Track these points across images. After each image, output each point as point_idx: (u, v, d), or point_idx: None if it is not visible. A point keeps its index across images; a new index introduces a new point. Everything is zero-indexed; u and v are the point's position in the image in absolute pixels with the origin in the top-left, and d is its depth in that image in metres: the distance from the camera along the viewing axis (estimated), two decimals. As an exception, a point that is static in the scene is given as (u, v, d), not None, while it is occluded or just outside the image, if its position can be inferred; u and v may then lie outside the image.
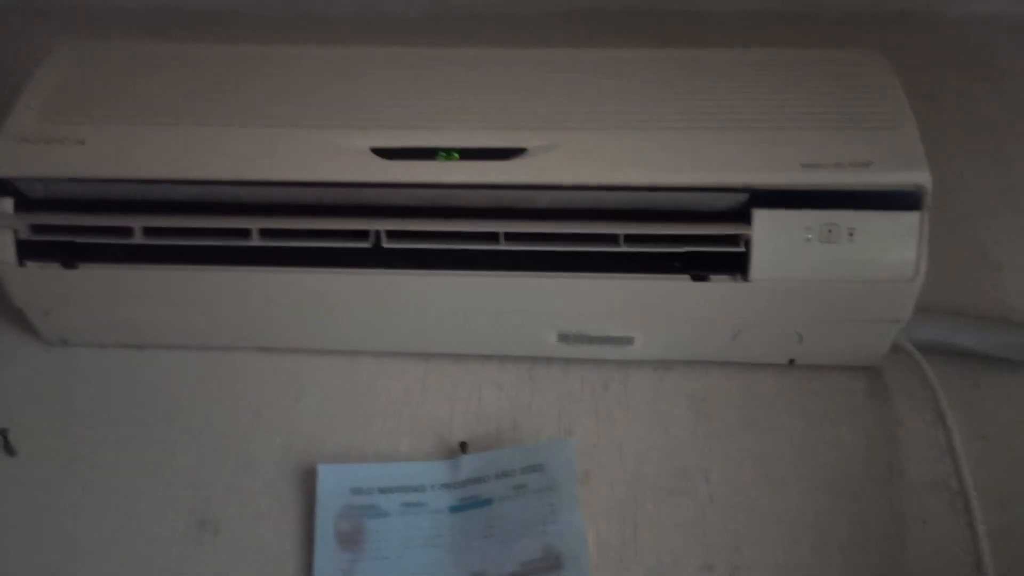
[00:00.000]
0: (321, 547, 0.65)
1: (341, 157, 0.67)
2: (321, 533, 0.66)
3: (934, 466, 0.68)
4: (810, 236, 0.64)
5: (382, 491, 0.68)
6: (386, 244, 0.67)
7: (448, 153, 0.67)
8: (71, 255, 0.69)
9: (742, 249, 0.65)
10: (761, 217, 0.64)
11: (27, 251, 0.69)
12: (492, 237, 0.66)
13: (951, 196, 0.84)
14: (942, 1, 1.04)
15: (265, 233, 0.67)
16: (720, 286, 0.66)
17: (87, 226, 0.68)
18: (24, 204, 0.68)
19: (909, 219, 0.64)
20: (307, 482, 0.69)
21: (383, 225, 0.66)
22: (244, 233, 0.67)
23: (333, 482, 0.68)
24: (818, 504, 0.67)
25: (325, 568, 0.64)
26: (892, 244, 0.64)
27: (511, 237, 0.66)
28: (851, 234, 0.64)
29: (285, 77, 0.73)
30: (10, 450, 0.71)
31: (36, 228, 0.69)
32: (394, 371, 0.76)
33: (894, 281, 0.65)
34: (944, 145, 0.85)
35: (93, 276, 0.70)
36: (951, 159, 0.86)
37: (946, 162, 0.84)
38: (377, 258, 0.68)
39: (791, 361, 0.73)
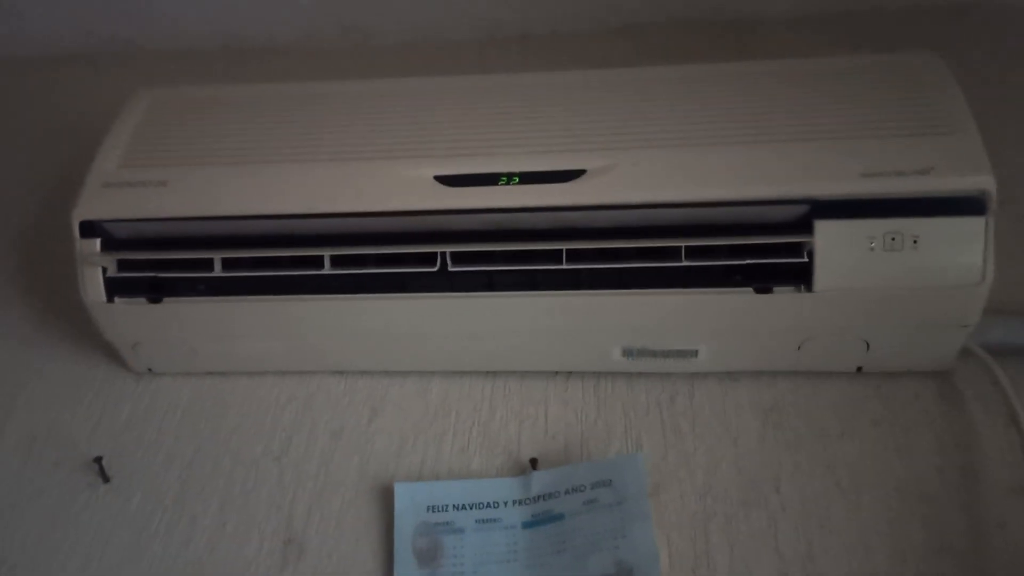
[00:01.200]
0: (400, 564, 0.67)
1: (406, 187, 0.70)
2: (400, 550, 0.68)
3: (1010, 470, 0.67)
4: (873, 245, 0.64)
5: (457, 508, 0.70)
6: (452, 267, 0.69)
7: (509, 178, 0.69)
8: (156, 291, 0.73)
9: (805, 260, 0.65)
10: (823, 228, 0.65)
11: (115, 288, 0.73)
12: (555, 257, 0.68)
13: (1019, 193, 0.82)
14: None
15: (336, 261, 0.70)
16: (784, 297, 0.67)
17: (170, 261, 0.71)
18: (111, 245, 0.72)
19: (974, 224, 0.63)
20: (384, 500, 0.71)
21: (448, 248, 0.68)
22: (317, 262, 0.70)
23: (409, 500, 0.70)
24: (891, 511, 0.67)
25: None
26: (957, 250, 0.64)
27: (573, 256, 0.68)
28: (915, 241, 0.64)
29: (349, 112, 0.76)
30: (105, 477, 0.75)
31: (123, 266, 0.72)
32: (463, 390, 0.78)
33: (961, 287, 0.64)
34: (1013, 142, 0.84)
35: (177, 310, 0.73)
36: (1020, 155, 0.85)
37: (1015, 159, 0.83)
38: (444, 282, 0.70)
39: (859, 369, 0.73)
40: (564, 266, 0.68)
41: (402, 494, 0.70)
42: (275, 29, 1.10)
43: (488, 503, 0.70)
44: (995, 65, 0.95)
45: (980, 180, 0.64)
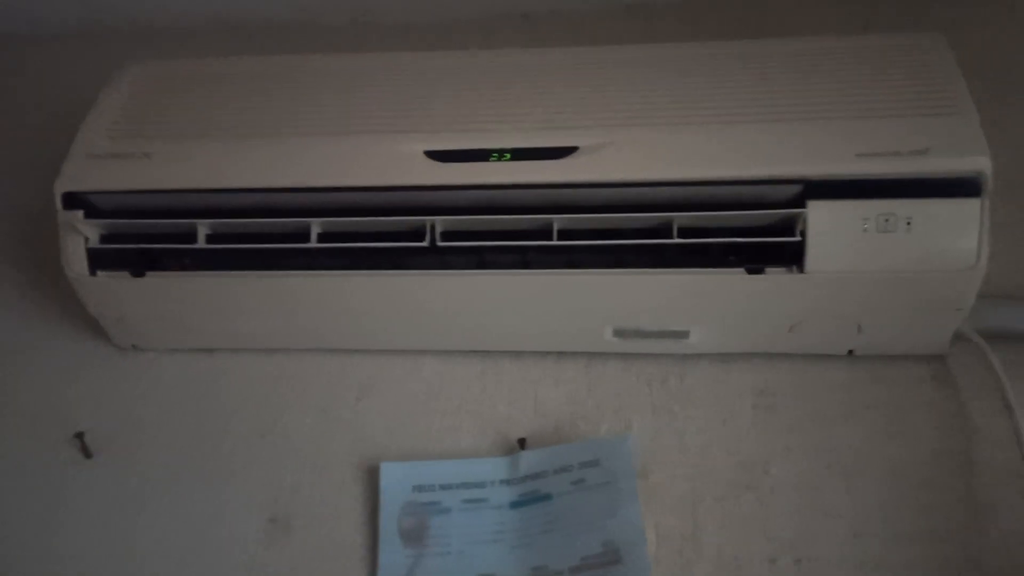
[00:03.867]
0: (385, 543, 0.67)
1: (396, 161, 0.69)
2: (385, 530, 0.67)
3: (1002, 454, 0.67)
4: (867, 226, 0.63)
5: (444, 488, 0.69)
6: (441, 243, 0.68)
7: (500, 154, 0.68)
8: (140, 264, 0.72)
9: (798, 239, 0.64)
10: (816, 208, 0.64)
11: (98, 261, 0.72)
12: (546, 234, 0.67)
13: (1018, 177, 0.82)
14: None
15: (324, 236, 0.69)
16: (776, 278, 0.66)
17: (154, 234, 0.70)
18: (94, 216, 0.71)
19: (969, 206, 0.63)
20: (371, 479, 0.70)
21: (437, 219, 0.67)
22: (304, 236, 0.69)
23: (396, 479, 0.69)
24: (883, 495, 0.66)
25: (390, 564, 0.66)
26: (952, 232, 0.63)
27: (564, 234, 0.67)
28: (909, 223, 0.63)
29: (339, 85, 0.75)
30: (87, 452, 0.74)
31: (106, 239, 0.71)
32: (454, 369, 0.77)
33: (955, 270, 0.64)
34: (1012, 128, 0.83)
35: (161, 284, 0.72)
36: (1019, 139, 0.84)
37: (1014, 145, 0.82)
38: (435, 260, 0.69)
39: (850, 352, 0.73)
40: (555, 242, 0.67)
41: (388, 473, 0.70)
42: (271, 5, 1.08)
43: (476, 483, 0.69)
44: (1002, 51, 0.93)
45: (977, 161, 0.63)
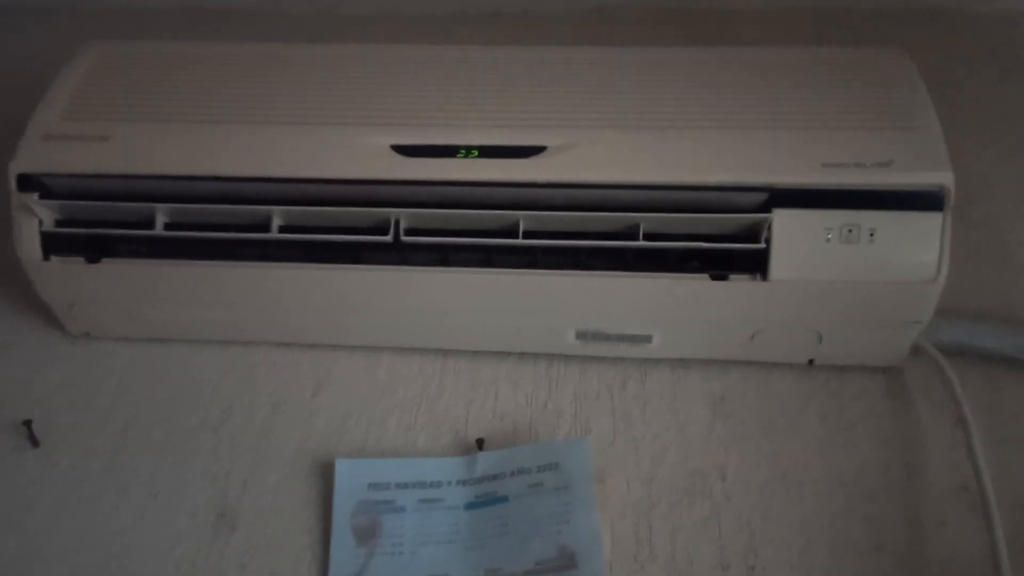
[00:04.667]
0: (337, 541, 0.66)
1: (361, 154, 0.68)
2: (338, 527, 0.66)
3: (954, 469, 0.68)
4: (830, 236, 0.64)
5: (399, 486, 0.68)
6: (405, 238, 0.67)
7: (468, 151, 0.67)
8: (94, 249, 0.70)
9: (762, 246, 0.64)
10: (781, 216, 0.64)
11: (51, 245, 0.70)
12: (512, 234, 0.67)
13: (975, 197, 0.83)
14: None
15: (285, 228, 0.68)
16: (739, 285, 0.66)
17: (110, 220, 0.68)
18: (49, 199, 0.69)
19: (931, 220, 0.63)
20: (324, 476, 0.69)
21: (401, 213, 0.67)
22: (264, 227, 0.68)
23: (351, 476, 0.68)
24: (835, 505, 0.67)
25: (341, 562, 0.65)
26: (913, 245, 0.64)
27: (530, 234, 0.66)
28: (872, 234, 0.64)
29: (306, 75, 0.74)
30: (34, 441, 0.72)
31: (60, 223, 0.70)
32: (412, 367, 0.76)
33: (915, 283, 0.64)
34: (970, 145, 0.85)
35: (116, 271, 0.71)
36: (977, 160, 0.85)
37: (971, 163, 0.84)
38: (397, 254, 0.68)
39: (810, 361, 0.73)
40: (520, 240, 0.66)
41: (343, 470, 0.69)
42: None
43: (432, 483, 0.68)
44: (962, 71, 0.95)
45: (939, 176, 0.63)
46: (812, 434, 0.70)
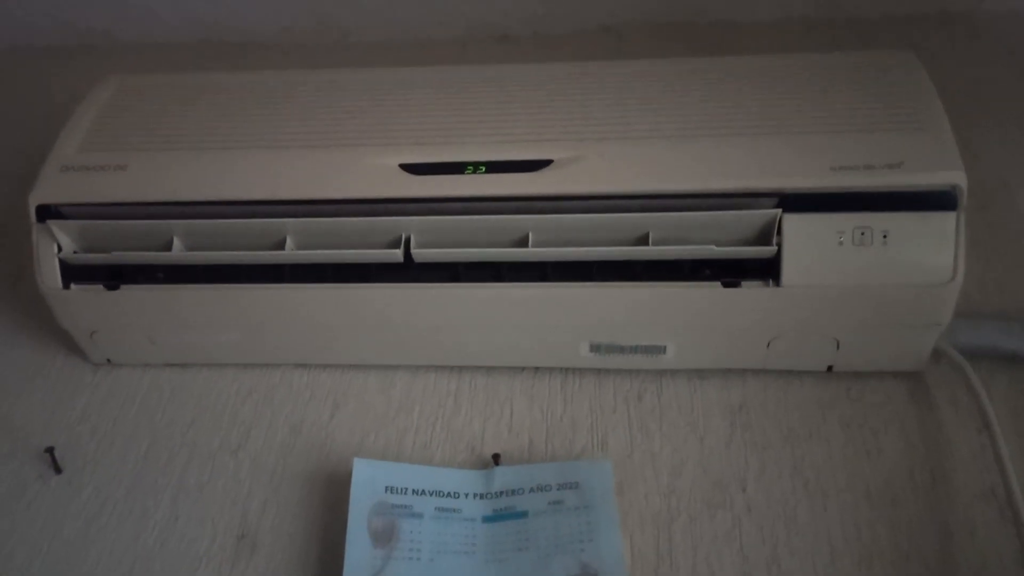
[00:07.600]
0: (353, 541, 0.65)
1: (371, 174, 0.68)
2: (354, 527, 0.65)
3: (980, 475, 0.66)
4: (843, 240, 0.63)
5: (416, 493, 0.68)
6: (416, 253, 0.67)
7: (475, 167, 0.68)
8: (114, 277, 0.71)
9: (774, 249, 0.64)
10: (791, 221, 0.64)
11: (71, 274, 0.71)
12: (521, 245, 0.67)
13: (994, 197, 0.82)
14: (980, -1, 1.02)
15: (299, 246, 0.68)
16: (752, 292, 0.66)
17: (128, 246, 0.70)
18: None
19: (944, 220, 0.62)
20: (344, 497, 0.69)
21: (411, 231, 0.67)
22: (279, 246, 0.68)
23: (368, 477, 0.68)
24: (859, 515, 0.65)
25: (357, 561, 0.64)
26: (928, 246, 0.63)
27: (540, 243, 0.66)
28: (885, 237, 0.63)
29: (314, 99, 0.75)
30: (57, 468, 0.73)
31: (79, 252, 0.71)
32: (427, 385, 0.76)
33: (931, 284, 0.63)
34: (988, 147, 0.84)
35: (135, 297, 0.72)
36: (996, 161, 0.84)
37: (990, 164, 0.83)
38: (409, 272, 0.68)
39: (829, 368, 0.72)
40: (530, 250, 0.66)
41: (361, 470, 0.68)
42: (253, 24, 1.09)
43: (449, 492, 0.68)
44: (978, 73, 0.94)
45: (951, 175, 0.63)
46: (834, 442, 0.69)
